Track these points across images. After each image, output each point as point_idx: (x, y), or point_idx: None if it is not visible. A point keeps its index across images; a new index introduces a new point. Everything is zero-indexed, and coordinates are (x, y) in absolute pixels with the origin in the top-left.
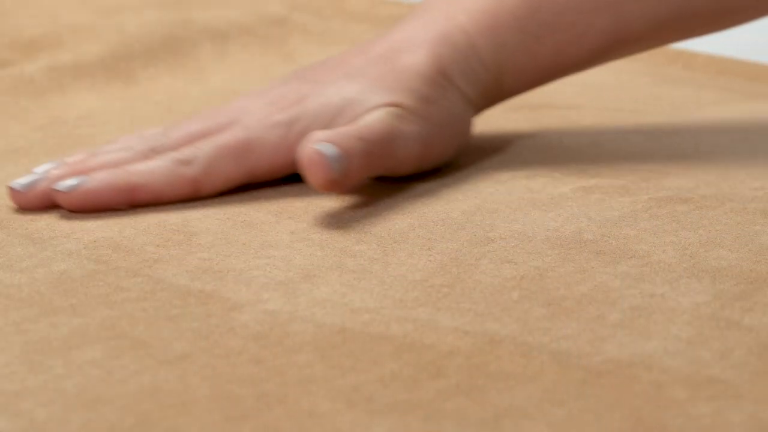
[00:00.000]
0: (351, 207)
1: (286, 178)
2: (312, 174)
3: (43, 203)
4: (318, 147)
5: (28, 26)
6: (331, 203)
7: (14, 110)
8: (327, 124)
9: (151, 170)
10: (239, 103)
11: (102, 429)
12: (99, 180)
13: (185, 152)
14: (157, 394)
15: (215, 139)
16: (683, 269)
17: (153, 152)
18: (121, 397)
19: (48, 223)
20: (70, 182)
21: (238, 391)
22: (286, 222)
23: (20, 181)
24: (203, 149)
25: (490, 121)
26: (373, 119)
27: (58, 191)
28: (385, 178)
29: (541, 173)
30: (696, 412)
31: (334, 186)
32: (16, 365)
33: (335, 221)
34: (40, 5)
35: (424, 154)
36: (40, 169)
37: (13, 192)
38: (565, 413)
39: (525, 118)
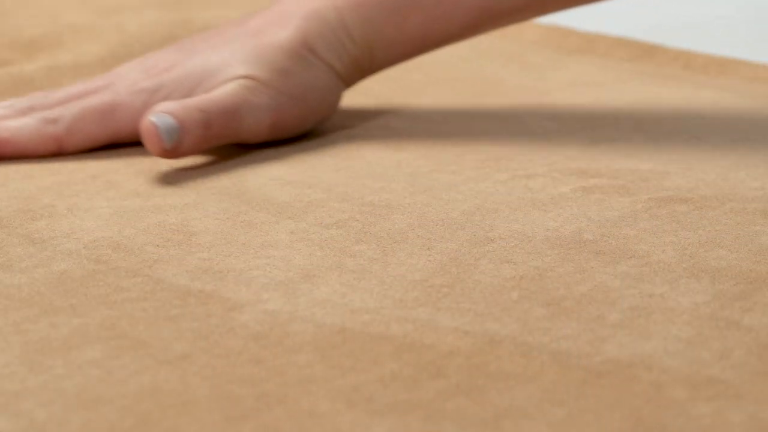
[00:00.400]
0: (351, 208)
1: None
2: (147, 143)
3: None
4: (153, 118)
5: (28, 26)
6: (331, 203)
7: None
8: (188, 93)
9: (19, 127)
10: (119, 69)
11: (102, 429)
12: None
13: (54, 111)
14: (157, 394)
15: (83, 101)
16: (683, 269)
17: (31, 110)
18: (121, 397)
19: (48, 223)
20: None
21: (238, 391)
22: (286, 222)
23: None
24: (70, 109)
25: (491, 120)
26: (222, 91)
27: None
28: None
29: (541, 173)
30: (696, 412)
31: (168, 155)
32: (16, 365)
33: (335, 221)
34: (40, 5)
35: (276, 124)
36: None
37: None
38: (565, 413)
39: (525, 118)
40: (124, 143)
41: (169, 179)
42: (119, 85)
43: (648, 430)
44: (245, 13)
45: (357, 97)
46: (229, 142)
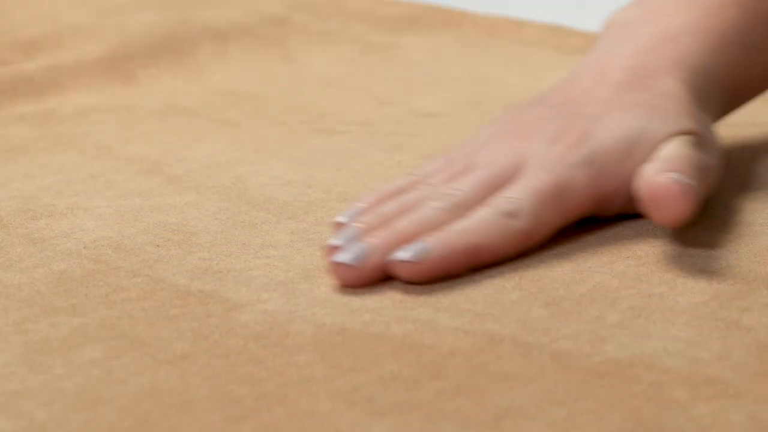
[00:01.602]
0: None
1: None
2: (668, 206)
3: (378, 277)
4: (674, 176)
5: (28, 26)
6: (331, 203)
7: (13, 109)
8: (624, 158)
9: (485, 228)
10: (506, 144)
11: (102, 429)
12: (442, 245)
13: (505, 205)
14: (157, 394)
15: (528, 187)
16: (681, 269)
17: (459, 208)
18: (121, 397)
19: (48, 223)
20: (412, 252)
21: (238, 391)
22: (285, 222)
23: (347, 255)
24: (523, 198)
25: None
26: (684, 148)
27: (403, 262)
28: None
29: None
30: (696, 412)
31: (690, 216)
32: (16, 365)
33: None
34: (40, 5)
35: (716, 183)
36: (343, 238)
37: (344, 268)
38: (565, 413)
39: None
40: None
41: (169, 179)
42: (544, 163)
43: (648, 430)
44: (578, 70)
45: (357, 96)
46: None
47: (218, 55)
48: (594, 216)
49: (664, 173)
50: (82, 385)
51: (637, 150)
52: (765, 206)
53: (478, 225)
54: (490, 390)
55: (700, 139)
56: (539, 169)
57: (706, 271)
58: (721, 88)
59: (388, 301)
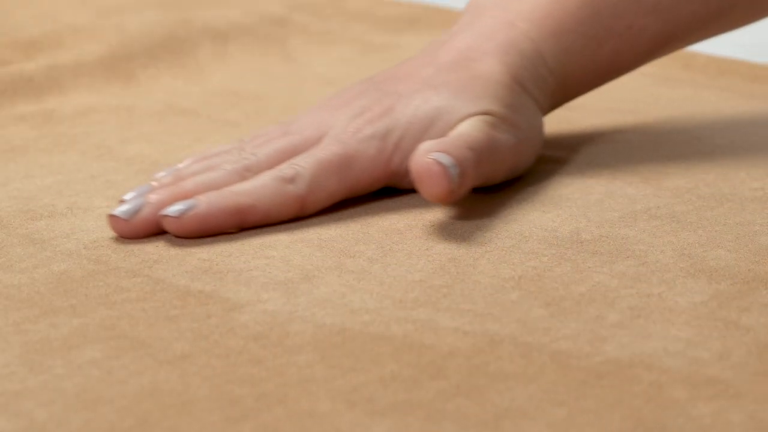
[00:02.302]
0: (350, 208)
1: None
2: (430, 185)
3: (149, 230)
4: (436, 157)
5: (28, 26)
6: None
7: (13, 109)
8: (420, 135)
9: (258, 190)
10: (320, 116)
11: (102, 429)
12: (208, 203)
13: (286, 170)
14: (157, 394)
15: (314, 155)
16: (680, 269)
17: (247, 171)
18: (121, 397)
19: (48, 223)
20: (178, 207)
21: (238, 391)
22: (285, 222)
23: (122, 208)
24: (305, 166)
25: None
26: (473, 128)
27: (167, 217)
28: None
29: (540, 173)
30: (696, 412)
31: (452, 196)
32: (16, 365)
33: (334, 222)
34: (40, 5)
35: (516, 162)
36: (129, 195)
37: (116, 220)
38: (565, 413)
39: None
40: (355, 196)
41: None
42: (339, 134)
43: (648, 430)
44: (423, 49)
45: None
46: (480, 185)
47: (218, 55)
48: (392, 187)
49: (429, 153)
50: (82, 385)
51: (434, 128)
52: (765, 206)
53: (252, 187)
54: (490, 390)
55: (499, 121)
56: (331, 140)
57: (705, 271)
58: (554, 75)
59: (388, 301)
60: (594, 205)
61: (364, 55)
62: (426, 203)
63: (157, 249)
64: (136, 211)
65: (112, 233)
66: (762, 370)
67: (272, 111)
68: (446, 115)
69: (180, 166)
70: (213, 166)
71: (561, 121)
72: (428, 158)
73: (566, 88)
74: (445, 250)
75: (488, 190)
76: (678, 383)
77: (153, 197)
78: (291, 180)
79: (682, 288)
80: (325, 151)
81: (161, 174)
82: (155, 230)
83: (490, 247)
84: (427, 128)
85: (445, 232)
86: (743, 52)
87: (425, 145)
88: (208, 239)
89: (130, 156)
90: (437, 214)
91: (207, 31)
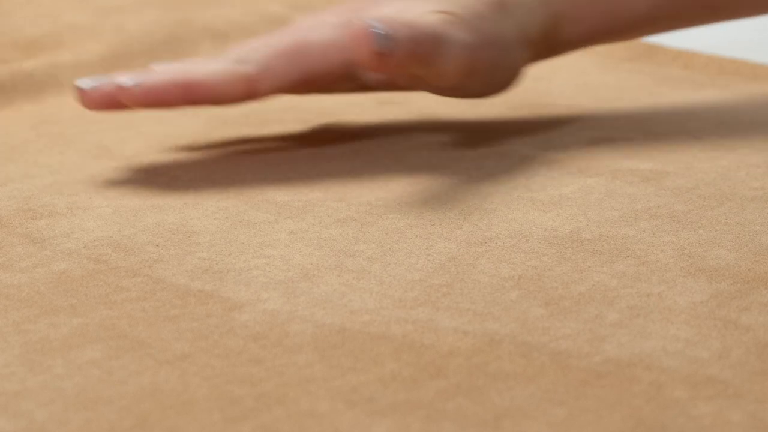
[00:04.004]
0: (349, 207)
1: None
2: (355, 47)
3: (107, 103)
4: (369, 21)
5: (28, 26)
6: (330, 203)
7: (12, 108)
8: None
9: (208, 69)
10: (300, 19)
11: (102, 429)
12: (158, 76)
13: (240, 53)
14: (157, 394)
15: (268, 41)
16: (680, 269)
17: (213, 61)
18: (121, 397)
19: (48, 222)
20: (132, 79)
21: (237, 391)
22: (285, 221)
23: (86, 80)
24: (257, 50)
25: (490, 119)
26: (424, 18)
27: (121, 87)
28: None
29: (540, 173)
30: (696, 412)
31: (377, 61)
32: (16, 365)
33: (334, 221)
34: (40, 5)
35: (471, 67)
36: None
37: (79, 91)
38: (565, 413)
39: (525, 117)
40: (314, 89)
41: (169, 178)
42: (302, 26)
43: (648, 430)
44: None
45: (357, 96)
46: (423, 78)
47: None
48: (356, 80)
49: (360, 20)
50: (82, 385)
51: None
52: (765, 206)
53: (205, 66)
54: (489, 390)
55: (454, 19)
56: (295, 29)
57: (705, 270)
58: (546, 8)
59: (387, 301)
60: (594, 204)
61: None
62: (426, 202)
63: (157, 249)
64: (96, 86)
65: (112, 233)
66: (762, 369)
67: (272, 111)
68: (408, 12)
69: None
70: (192, 60)
71: (561, 120)
72: (359, 22)
73: (561, 30)
74: (445, 249)
75: (487, 187)
76: (678, 383)
77: (119, 77)
78: (243, 61)
79: (682, 287)
80: (283, 36)
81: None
82: (110, 104)
83: (490, 246)
84: None
85: (445, 231)
86: (744, 52)
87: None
88: (208, 238)
89: (129, 156)
90: (438, 214)
91: (207, 31)
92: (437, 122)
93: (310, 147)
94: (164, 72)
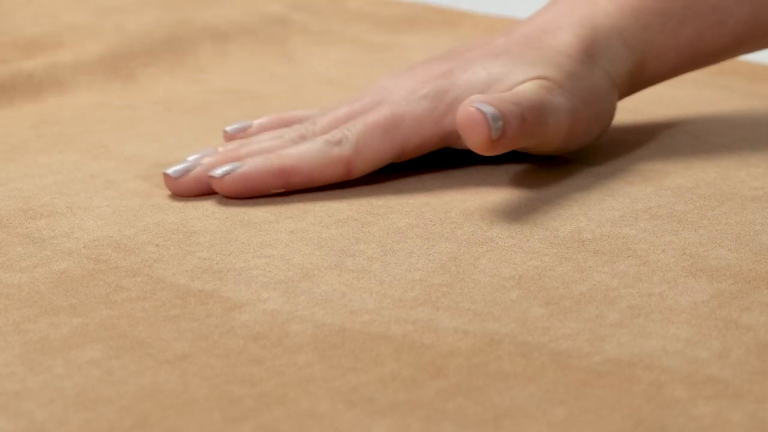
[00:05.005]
0: (350, 207)
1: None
2: (472, 133)
3: (197, 189)
4: (478, 106)
5: (28, 26)
6: (330, 203)
7: (12, 108)
8: None
9: (303, 152)
10: (382, 83)
11: (102, 429)
12: (252, 164)
13: (334, 134)
14: (157, 394)
15: (362, 118)
16: (681, 268)
17: (302, 138)
18: (121, 397)
19: (48, 222)
20: (224, 168)
21: (237, 391)
22: (285, 221)
23: (174, 167)
24: (351, 129)
25: None
26: (523, 89)
27: (213, 177)
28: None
29: (541, 173)
30: (696, 411)
31: (493, 146)
32: (16, 365)
33: (334, 221)
34: (40, 5)
35: (573, 130)
36: (192, 158)
37: (168, 178)
38: (565, 413)
39: None
40: (406, 159)
41: None
42: (394, 97)
43: (648, 430)
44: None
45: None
46: (529, 145)
47: (218, 55)
48: (448, 147)
49: (473, 103)
50: (82, 385)
51: (489, 92)
52: (765, 206)
53: (298, 150)
54: (489, 390)
55: (554, 85)
56: (384, 103)
57: (706, 270)
58: (632, 53)
59: (387, 301)
60: (595, 204)
61: (364, 55)
62: (427, 202)
63: (157, 249)
64: (186, 171)
65: (112, 233)
66: (762, 369)
67: (272, 111)
68: (502, 80)
69: (251, 124)
70: (278, 136)
71: None
72: (471, 107)
73: (646, 68)
74: (446, 249)
75: (488, 187)
76: (678, 382)
77: (206, 159)
78: (337, 143)
79: (683, 287)
80: (374, 113)
81: (234, 129)
82: (203, 190)
83: (491, 246)
84: (481, 92)
85: (446, 231)
86: None
87: (472, 97)
88: (208, 238)
89: (129, 155)
90: (438, 214)
91: (207, 31)
92: None
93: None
94: (257, 159)
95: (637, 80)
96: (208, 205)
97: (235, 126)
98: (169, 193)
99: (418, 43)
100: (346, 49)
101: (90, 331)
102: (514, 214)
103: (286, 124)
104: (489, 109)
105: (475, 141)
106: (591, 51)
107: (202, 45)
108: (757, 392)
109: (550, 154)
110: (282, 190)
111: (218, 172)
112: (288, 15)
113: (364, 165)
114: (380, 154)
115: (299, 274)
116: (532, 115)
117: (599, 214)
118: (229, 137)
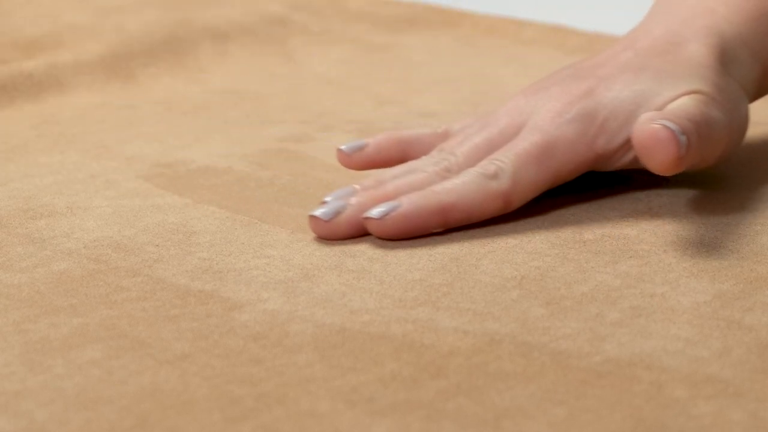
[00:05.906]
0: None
1: None
2: (658, 151)
3: (350, 232)
4: (662, 123)
5: (28, 26)
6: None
7: (12, 108)
8: (627, 117)
9: (460, 188)
10: (517, 103)
11: (102, 429)
12: (410, 203)
13: (488, 166)
14: (157, 394)
15: (513, 148)
16: (683, 269)
17: (447, 171)
18: (121, 397)
19: (48, 222)
20: (381, 209)
21: (237, 391)
22: (285, 221)
23: (321, 209)
24: (506, 161)
25: None
26: (685, 104)
27: (370, 218)
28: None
29: None
30: (696, 411)
31: (680, 163)
32: (16, 365)
33: None
34: (40, 5)
35: (728, 143)
36: (330, 197)
37: (317, 221)
38: (565, 413)
39: None
40: (560, 185)
41: (169, 179)
42: (538, 121)
43: (648, 430)
44: (618, 40)
45: (357, 96)
46: (696, 165)
47: (218, 55)
48: (595, 170)
49: (653, 120)
50: (82, 385)
51: (642, 110)
52: (766, 206)
53: (453, 185)
54: (490, 390)
55: (709, 99)
56: (530, 129)
57: (708, 270)
58: (758, 60)
59: (387, 301)
60: (596, 204)
61: (364, 55)
62: None
63: (157, 249)
64: (336, 213)
65: (112, 233)
66: (763, 368)
67: (272, 111)
68: (653, 97)
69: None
70: (413, 169)
71: None
72: (654, 125)
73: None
74: (448, 249)
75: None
76: (678, 382)
77: (354, 199)
78: (493, 176)
79: (685, 288)
80: (525, 142)
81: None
82: (356, 232)
83: (492, 246)
84: (633, 111)
85: (447, 231)
86: None
87: (647, 115)
88: (208, 238)
89: (129, 155)
90: None
91: (207, 31)
92: (437, 122)
93: (311, 147)
94: (414, 198)
95: (762, 87)
96: (207, 206)
97: (350, 145)
98: (173, 194)
99: (418, 43)
100: (346, 49)
101: (90, 331)
102: (516, 214)
103: (403, 142)
104: (673, 125)
105: (662, 160)
106: (723, 60)
107: (202, 45)
108: (758, 391)
109: (702, 167)
110: (440, 229)
111: (375, 213)
112: (288, 15)
113: (522, 197)
114: (537, 185)
115: (299, 274)
116: (703, 132)
117: (600, 214)
118: (345, 157)
